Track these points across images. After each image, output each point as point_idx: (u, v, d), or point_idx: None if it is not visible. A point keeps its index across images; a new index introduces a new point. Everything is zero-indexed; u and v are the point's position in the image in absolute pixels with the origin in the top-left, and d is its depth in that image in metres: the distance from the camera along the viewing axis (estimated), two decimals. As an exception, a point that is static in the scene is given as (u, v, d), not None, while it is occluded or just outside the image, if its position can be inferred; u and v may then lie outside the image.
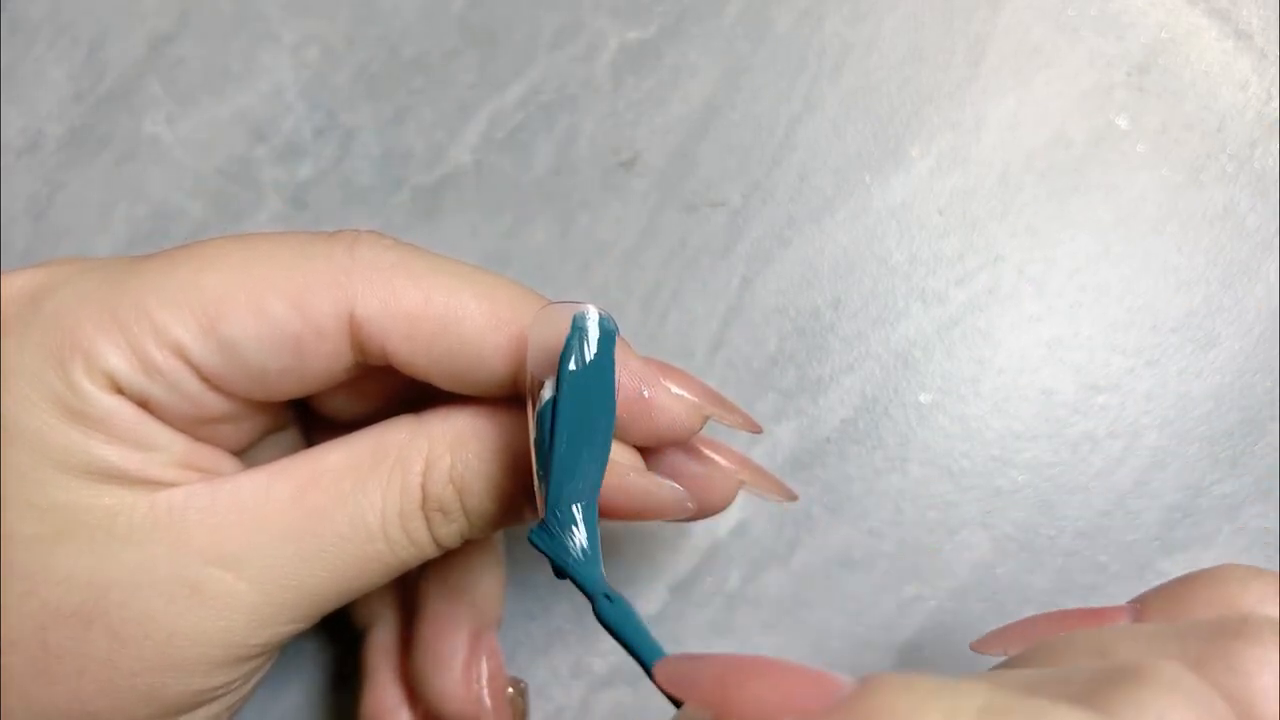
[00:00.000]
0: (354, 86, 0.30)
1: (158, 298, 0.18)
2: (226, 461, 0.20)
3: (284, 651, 0.28)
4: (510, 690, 0.24)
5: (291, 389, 0.20)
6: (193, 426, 0.19)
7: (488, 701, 0.23)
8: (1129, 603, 0.18)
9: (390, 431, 0.20)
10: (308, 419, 0.23)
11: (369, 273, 0.19)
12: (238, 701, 0.20)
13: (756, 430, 0.22)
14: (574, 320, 0.18)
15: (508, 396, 0.20)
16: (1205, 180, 0.28)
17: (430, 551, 0.20)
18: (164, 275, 0.18)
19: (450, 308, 0.19)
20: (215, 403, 0.19)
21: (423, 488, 0.19)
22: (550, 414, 0.17)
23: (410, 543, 0.19)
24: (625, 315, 0.29)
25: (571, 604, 0.27)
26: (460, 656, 0.23)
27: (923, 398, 0.28)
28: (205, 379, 0.19)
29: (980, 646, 0.19)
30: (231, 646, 0.18)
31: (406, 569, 0.20)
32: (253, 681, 0.20)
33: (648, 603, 0.27)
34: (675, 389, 0.21)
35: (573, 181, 0.29)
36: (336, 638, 0.28)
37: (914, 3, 0.30)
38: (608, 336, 0.18)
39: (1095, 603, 0.27)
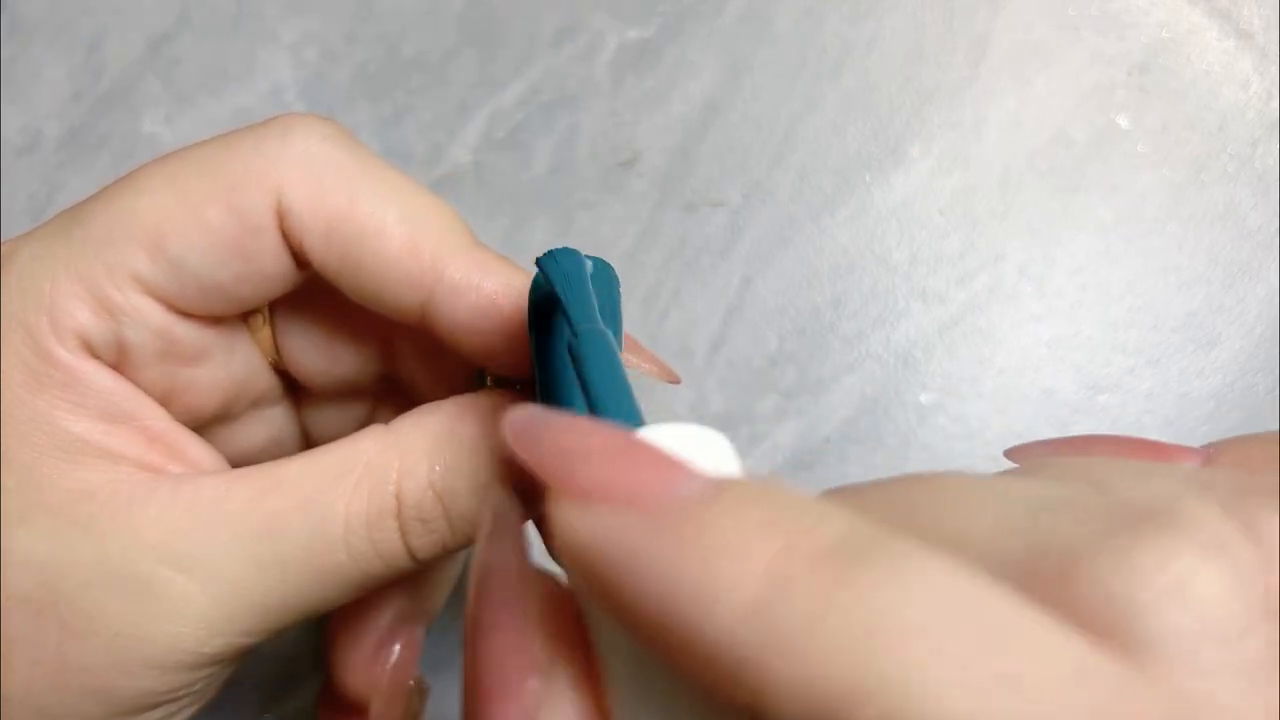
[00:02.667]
0: (353, 86, 0.30)
1: (103, 234, 0.18)
2: (200, 447, 0.20)
3: (284, 653, 0.28)
4: (411, 683, 0.23)
5: (251, 294, 0.19)
6: (169, 371, 0.19)
7: (385, 685, 0.22)
8: (1203, 447, 0.15)
9: (359, 440, 0.19)
10: (296, 396, 0.23)
11: (299, 165, 0.18)
12: (196, 704, 0.20)
13: (674, 380, 0.21)
14: (581, 262, 0.17)
15: (412, 325, 0.19)
16: (1206, 180, 0.28)
17: (402, 564, 0.19)
18: (103, 212, 0.18)
19: (372, 219, 0.18)
20: (184, 332, 0.19)
21: (398, 496, 0.18)
22: (577, 352, 0.16)
23: (376, 555, 0.18)
24: (625, 315, 0.28)
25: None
26: (376, 635, 0.22)
27: (923, 398, 0.28)
28: (166, 304, 0.18)
29: (1014, 453, 0.16)
30: (180, 652, 0.18)
31: (371, 585, 0.19)
32: (212, 687, 0.20)
33: (648, 603, 0.27)
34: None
35: (573, 181, 0.29)
36: (336, 638, 0.28)
37: (914, 2, 0.30)
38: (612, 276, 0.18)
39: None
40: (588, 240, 0.29)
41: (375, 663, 0.22)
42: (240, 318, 0.21)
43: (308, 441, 0.24)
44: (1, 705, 0.18)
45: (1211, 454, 0.15)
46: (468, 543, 0.19)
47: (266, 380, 0.22)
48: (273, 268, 0.19)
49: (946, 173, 0.29)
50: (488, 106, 0.30)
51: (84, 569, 0.17)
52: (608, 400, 0.14)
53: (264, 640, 0.19)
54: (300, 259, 0.19)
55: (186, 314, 0.19)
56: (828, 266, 0.28)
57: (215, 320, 0.20)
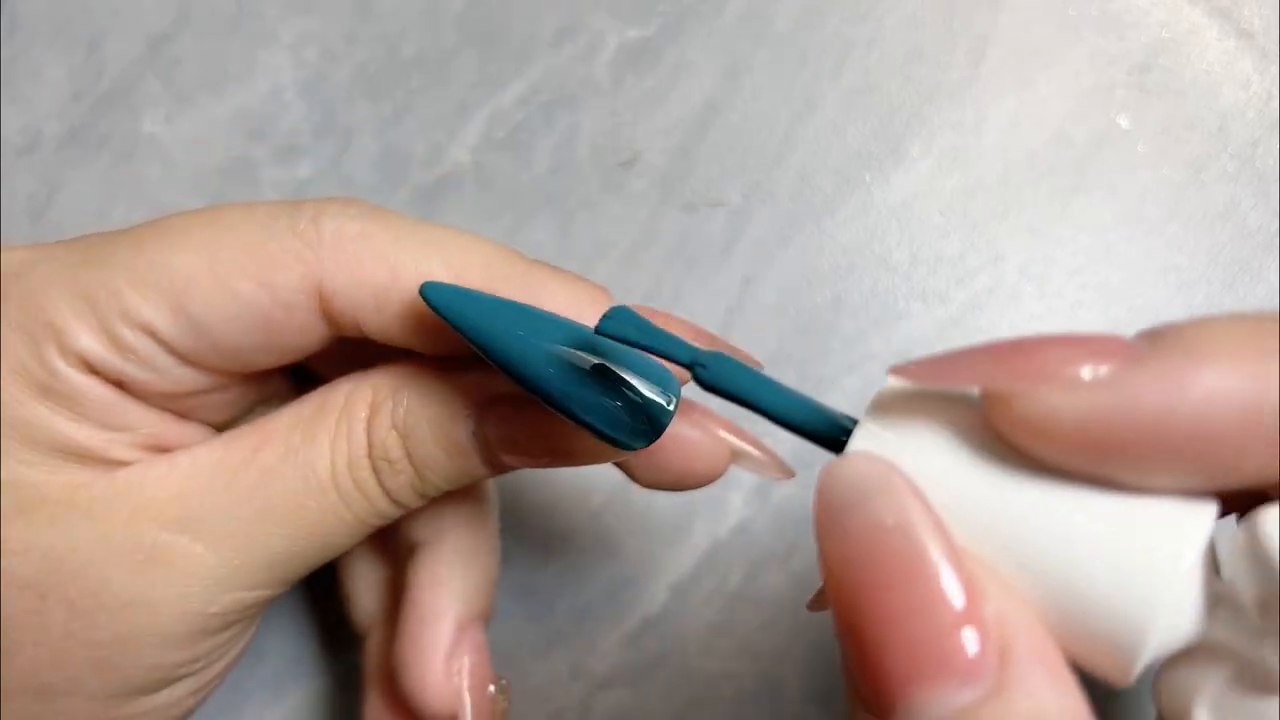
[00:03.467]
0: (353, 86, 0.30)
1: (126, 278, 0.18)
2: (201, 438, 0.20)
3: (285, 652, 0.28)
4: (492, 687, 0.23)
5: (267, 361, 0.20)
6: (172, 400, 0.19)
7: (466, 696, 0.22)
8: (1136, 337, 0.15)
9: (337, 385, 0.19)
10: (304, 382, 0.23)
11: (334, 246, 0.18)
12: (201, 687, 0.20)
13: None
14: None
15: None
16: (1207, 180, 0.28)
17: (384, 506, 0.19)
18: (132, 254, 0.18)
19: (418, 278, 0.19)
20: (191, 377, 0.19)
21: (367, 434, 0.19)
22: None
23: (361, 494, 0.19)
24: (625, 315, 0.28)
25: (572, 604, 0.27)
26: (442, 648, 0.22)
27: (923, 398, 0.28)
28: (177, 355, 0.19)
29: (900, 371, 0.15)
30: (190, 615, 0.18)
31: (366, 527, 0.19)
32: (215, 667, 0.20)
33: (648, 603, 0.27)
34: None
35: (573, 181, 0.29)
36: (339, 639, 0.28)
37: (914, 2, 0.30)
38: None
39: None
40: (588, 240, 0.29)
41: (448, 676, 0.22)
42: None
43: None
44: (2, 687, 0.18)
45: (1142, 352, 0.14)
46: (440, 490, 0.20)
47: (281, 386, 0.22)
48: (295, 341, 0.19)
49: (946, 173, 0.29)
50: (488, 106, 0.30)
51: (86, 549, 0.18)
52: (800, 408, 0.16)
53: (273, 594, 0.19)
54: (350, 333, 0.19)
55: (196, 365, 0.19)
56: (828, 266, 0.28)
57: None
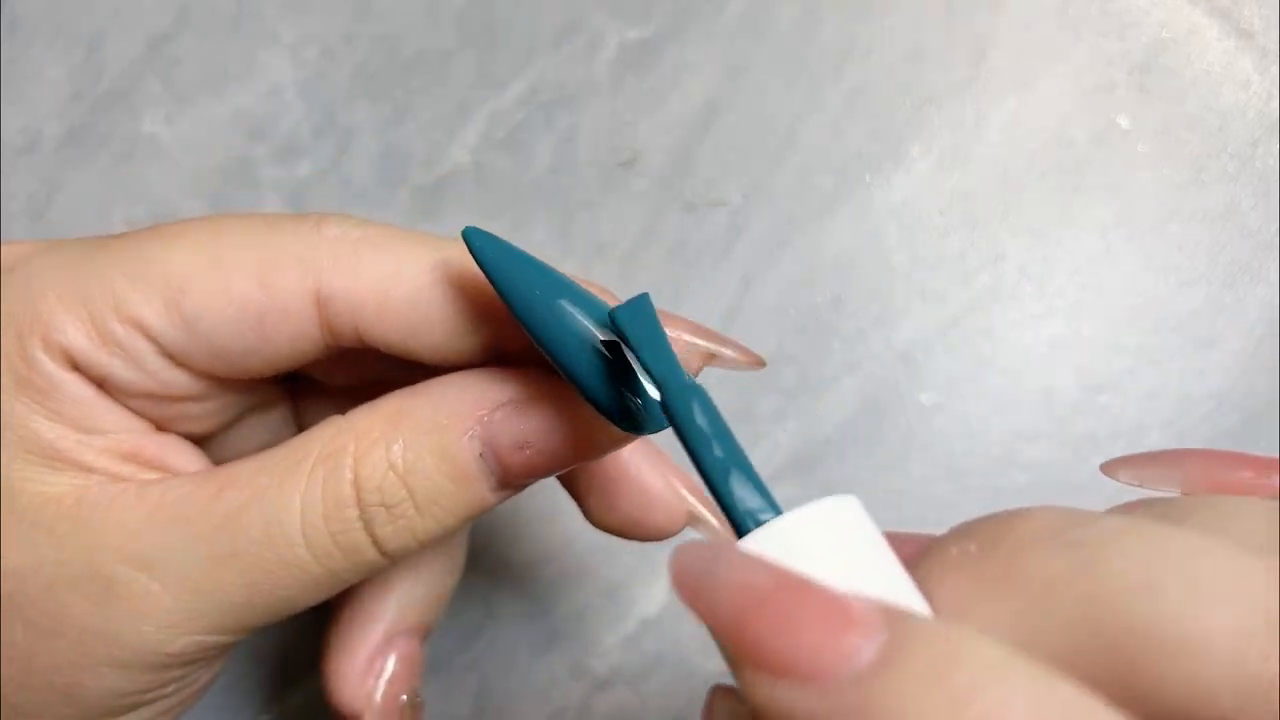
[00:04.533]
0: (353, 86, 0.30)
1: (122, 272, 0.18)
2: (182, 454, 0.20)
3: (285, 652, 0.28)
4: (404, 697, 0.22)
5: (258, 368, 0.19)
6: (157, 406, 0.19)
7: (377, 700, 0.22)
8: None
9: (314, 431, 0.18)
10: (298, 393, 0.23)
11: (336, 248, 0.18)
12: (175, 707, 0.20)
13: (759, 364, 0.20)
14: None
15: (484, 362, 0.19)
16: (1207, 179, 0.28)
17: (370, 558, 0.18)
18: (131, 251, 0.18)
19: (421, 276, 0.18)
20: (178, 379, 0.19)
21: (355, 484, 0.18)
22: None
23: (336, 548, 0.18)
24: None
25: (572, 604, 0.27)
26: (367, 649, 0.22)
27: (924, 398, 0.28)
28: (167, 354, 0.18)
29: (1109, 469, 0.16)
30: (146, 652, 0.18)
31: (341, 583, 0.18)
32: (189, 691, 0.20)
33: (647, 603, 0.27)
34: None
35: (573, 181, 0.29)
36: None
37: (914, 2, 0.30)
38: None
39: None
40: (588, 240, 0.29)
41: (367, 676, 0.22)
42: None
43: None
44: None
45: None
46: (442, 531, 0.18)
47: (273, 395, 0.22)
48: (287, 348, 0.19)
49: (946, 173, 0.29)
50: (488, 106, 0.30)
51: (49, 571, 0.17)
52: (730, 480, 0.14)
53: (236, 640, 0.19)
54: (348, 342, 0.19)
55: (185, 367, 0.19)
56: (828, 266, 0.28)
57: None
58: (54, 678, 0.18)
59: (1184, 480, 0.15)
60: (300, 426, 0.23)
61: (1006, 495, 0.27)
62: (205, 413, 0.20)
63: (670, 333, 0.18)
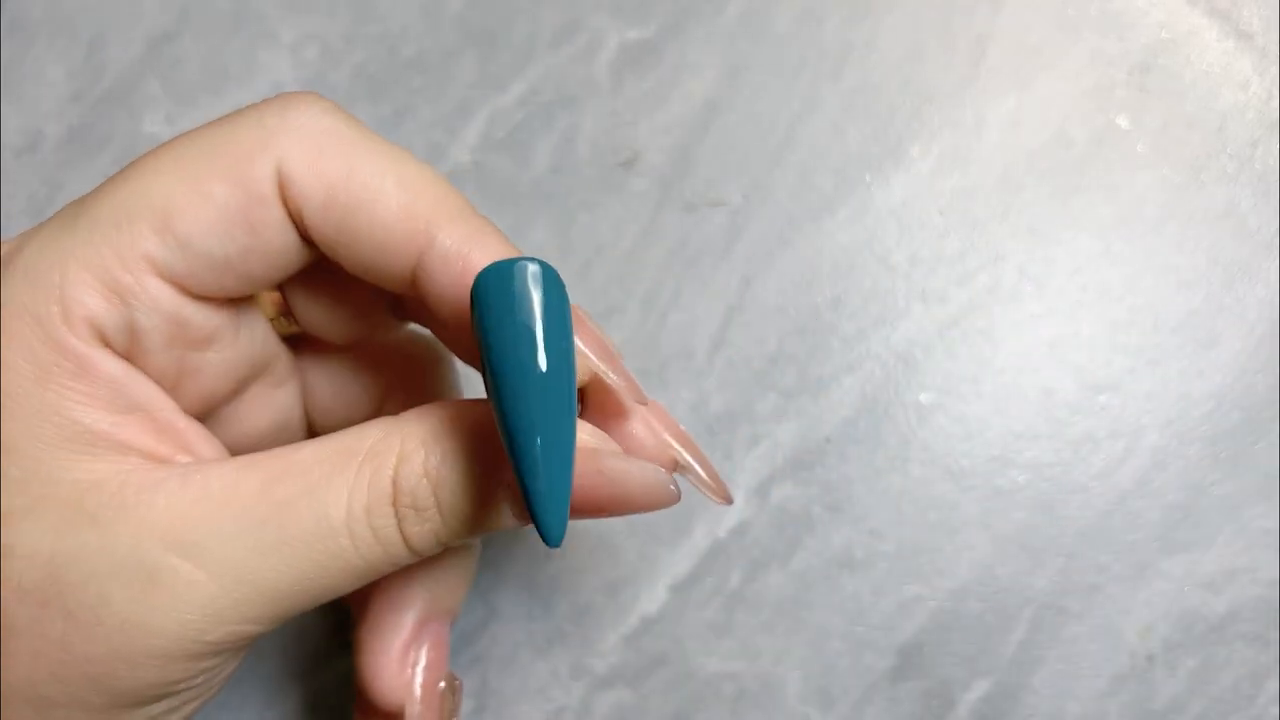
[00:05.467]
0: (353, 86, 0.30)
1: (110, 219, 0.18)
2: (206, 442, 0.20)
3: (285, 652, 0.28)
4: (442, 684, 0.23)
5: (260, 271, 0.19)
6: (181, 360, 0.19)
7: (417, 689, 0.22)
8: None
9: (365, 430, 0.19)
10: (303, 375, 0.23)
11: (298, 135, 0.18)
12: (199, 698, 0.20)
13: (726, 501, 0.22)
14: (517, 273, 0.16)
15: (404, 293, 0.20)
16: (1206, 180, 0.28)
17: (400, 553, 0.19)
18: (109, 198, 0.18)
19: (370, 186, 0.18)
20: (195, 314, 0.19)
21: (394, 482, 0.18)
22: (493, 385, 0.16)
23: (376, 541, 0.18)
24: (625, 315, 0.28)
25: (572, 604, 0.27)
26: (401, 638, 0.22)
27: (923, 398, 0.28)
28: (177, 286, 0.18)
29: None
30: (186, 641, 0.18)
31: (375, 574, 0.19)
32: (216, 681, 0.20)
33: (648, 603, 0.27)
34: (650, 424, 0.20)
35: (573, 181, 0.29)
36: (339, 640, 0.28)
37: (914, 2, 0.30)
38: (558, 290, 0.16)
39: (1096, 603, 0.26)
40: (588, 240, 0.29)
41: (404, 667, 0.22)
42: (250, 299, 0.21)
43: (311, 429, 0.24)
44: (1, 696, 0.18)
45: None
46: (461, 537, 0.19)
47: (277, 356, 0.22)
48: (279, 240, 0.19)
49: (946, 173, 0.29)
50: (488, 106, 0.30)
51: (90, 559, 0.17)
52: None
53: (268, 629, 0.19)
54: (303, 232, 0.19)
55: (197, 296, 0.19)
56: (828, 266, 0.28)
57: (226, 302, 0.20)
58: (90, 668, 0.18)
59: None
60: (307, 406, 0.23)
61: (1005, 495, 0.27)
62: (224, 364, 0.20)
63: (655, 431, 0.20)
